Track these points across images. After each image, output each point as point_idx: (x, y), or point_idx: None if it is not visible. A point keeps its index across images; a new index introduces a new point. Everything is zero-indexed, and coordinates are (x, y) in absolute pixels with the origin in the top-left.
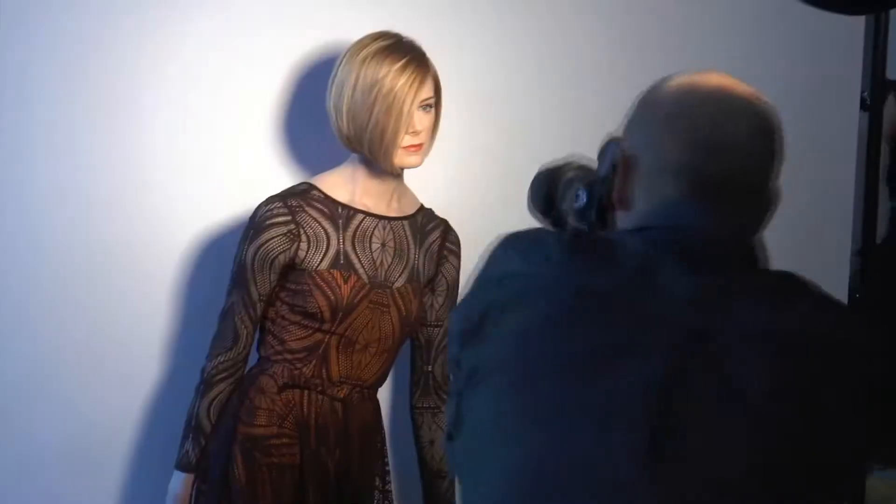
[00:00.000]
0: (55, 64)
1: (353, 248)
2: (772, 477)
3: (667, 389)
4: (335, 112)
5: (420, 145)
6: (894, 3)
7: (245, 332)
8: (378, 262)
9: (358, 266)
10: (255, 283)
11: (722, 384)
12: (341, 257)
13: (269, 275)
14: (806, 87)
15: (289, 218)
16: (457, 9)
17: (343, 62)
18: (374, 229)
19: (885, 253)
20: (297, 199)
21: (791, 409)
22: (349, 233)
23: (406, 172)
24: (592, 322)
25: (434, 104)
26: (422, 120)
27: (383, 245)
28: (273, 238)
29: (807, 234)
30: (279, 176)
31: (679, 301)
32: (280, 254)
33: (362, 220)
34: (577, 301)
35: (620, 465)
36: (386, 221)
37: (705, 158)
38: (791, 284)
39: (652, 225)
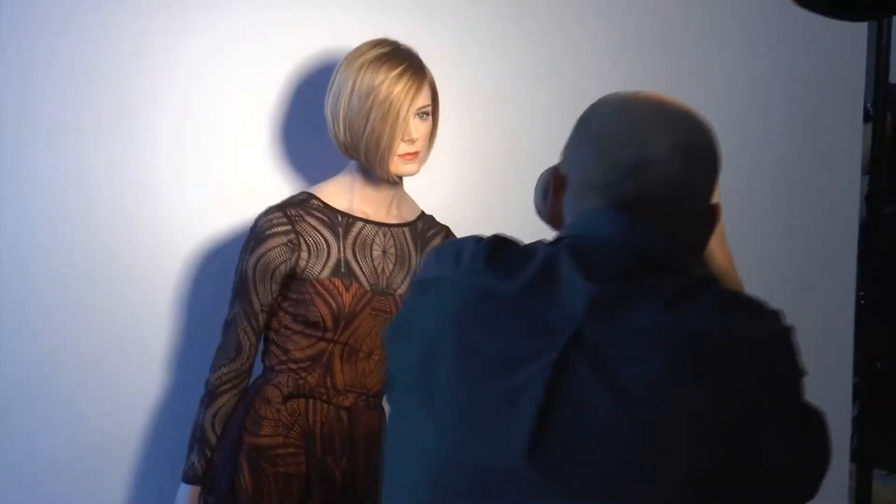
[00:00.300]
0: (56, 68)
1: (354, 255)
2: (647, 467)
3: (554, 389)
4: (332, 119)
5: (416, 153)
6: None
7: (248, 342)
8: (379, 270)
9: (359, 273)
10: (256, 294)
11: (606, 383)
12: (342, 265)
13: (271, 285)
14: (809, 91)
15: (289, 227)
16: (456, 14)
17: (340, 69)
18: (374, 237)
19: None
20: (296, 208)
21: (669, 404)
22: (349, 241)
23: (407, 179)
24: (491, 326)
25: (431, 112)
26: (418, 128)
27: (384, 252)
28: (273, 248)
29: (814, 239)
30: (280, 183)
31: (573, 306)
32: (281, 263)
33: (362, 227)
34: (479, 305)
35: (511, 462)
36: (386, 228)
37: (625, 177)
38: (697, 288)
39: (567, 235)
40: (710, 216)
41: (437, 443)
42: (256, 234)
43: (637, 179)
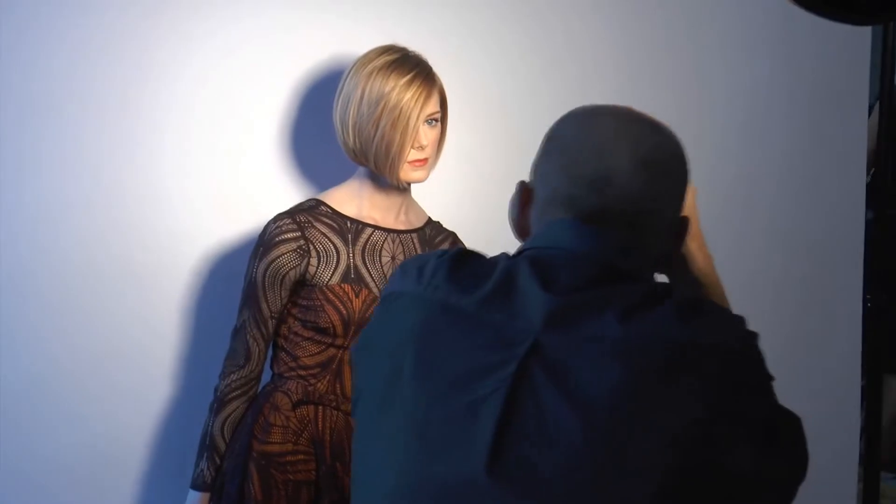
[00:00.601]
0: (59, 71)
1: (364, 261)
2: (610, 477)
3: (513, 401)
4: (341, 126)
5: (425, 160)
6: None
7: (257, 349)
8: (388, 276)
9: (369, 280)
10: (266, 301)
11: (565, 393)
12: (352, 271)
13: (280, 291)
14: (813, 93)
15: (298, 234)
16: (462, 19)
17: (349, 76)
18: (383, 243)
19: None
20: (305, 214)
21: (634, 412)
22: (358, 247)
23: (414, 186)
24: (451, 340)
25: (440, 119)
26: (427, 134)
27: (393, 258)
28: (283, 254)
29: (820, 241)
30: (288, 189)
31: (531, 318)
32: (291, 270)
33: (371, 233)
34: (439, 320)
35: (472, 475)
36: (395, 235)
37: (587, 191)
38: (658, 296)
39: (529, 247)
40: (678, 227)
41: (401, 458)
42: (266, 240)
43: (600, 193)
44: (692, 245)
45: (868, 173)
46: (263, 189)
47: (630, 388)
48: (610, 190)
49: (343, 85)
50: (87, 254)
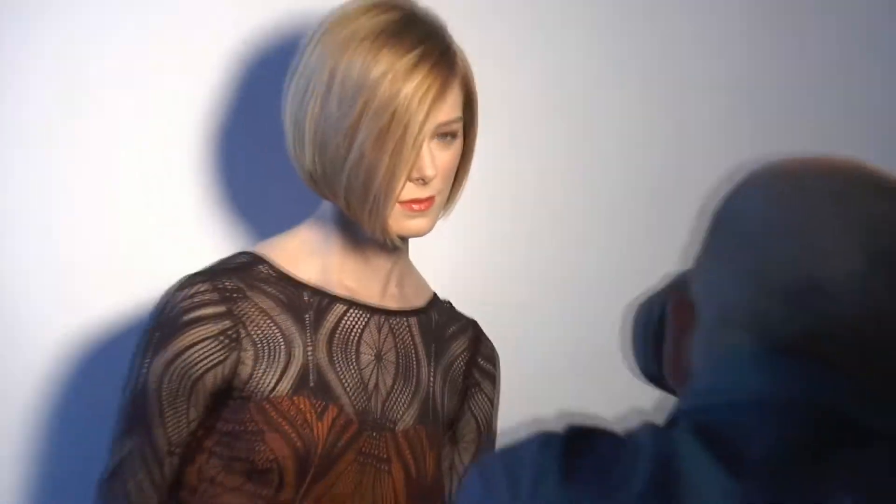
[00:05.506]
0: None
1: (331, 359)
2: None
3: None
4: (293, 128)
5: (430, 200)
6: None
7: None
8: (371, 385)
9: (339, 391)
10: (163, 425)
11: None
12: (311, 376)
13: (189, 409)
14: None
15: (222, 310)
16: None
17: (310, 47)
18: (363, 329)
19: None
20: (234, 278)
21: None
22: (323, 335)
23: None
24: None
25: (461, 131)
26: (438, 157)
27: (379, 356)
28: (196, 345)
29: None
30: (207, 230)
31: None
32: (207, 371)
33: (344, 312)
34: None
35: None
36: (382, 317)
37: (788, 307)
38: None
39: (692, 406)
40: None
41: None
42: (166, 321)
43: (805, 309)
44: None
45: None
46: (170, 231)
47: None
48: (823, 305)
49: (300, 60)
50: None
